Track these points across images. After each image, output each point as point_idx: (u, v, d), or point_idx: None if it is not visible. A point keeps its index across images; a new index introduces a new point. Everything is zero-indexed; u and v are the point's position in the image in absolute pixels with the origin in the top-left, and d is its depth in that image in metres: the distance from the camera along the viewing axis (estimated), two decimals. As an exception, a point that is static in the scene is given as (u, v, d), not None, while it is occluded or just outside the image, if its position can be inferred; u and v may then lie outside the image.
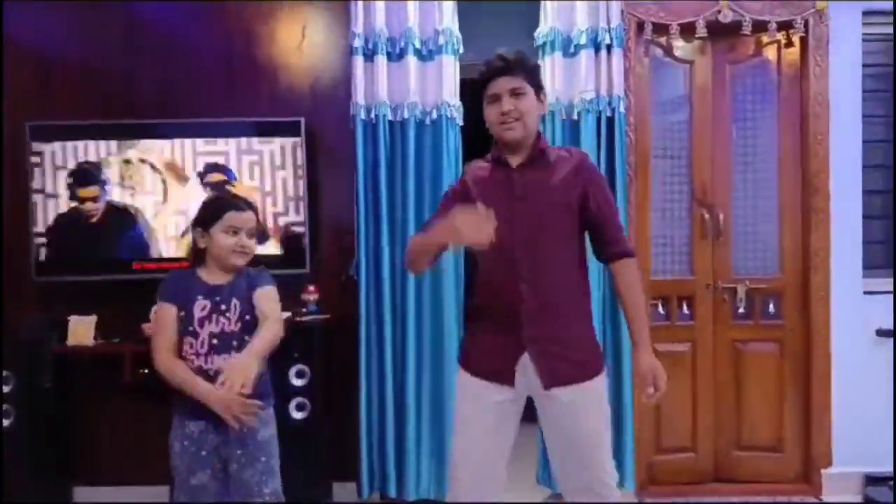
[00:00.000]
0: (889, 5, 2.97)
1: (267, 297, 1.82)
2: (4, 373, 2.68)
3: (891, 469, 2.89)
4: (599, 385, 1.70)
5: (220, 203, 1.84)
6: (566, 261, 1.69)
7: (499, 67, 1.67)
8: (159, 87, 3.04)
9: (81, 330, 2.89)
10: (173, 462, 1.76)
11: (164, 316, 1.76)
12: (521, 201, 1.67)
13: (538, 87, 1.71)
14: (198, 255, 1.83)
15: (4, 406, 2.67)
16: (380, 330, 2.89)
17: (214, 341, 1.75)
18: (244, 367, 1.60)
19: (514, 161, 1.71)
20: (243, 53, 3.04)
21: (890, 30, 3.03)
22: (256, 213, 1.87)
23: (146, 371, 2.81)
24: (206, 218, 1.80)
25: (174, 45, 3.04)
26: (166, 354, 1.74)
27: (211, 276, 1.81)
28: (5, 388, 2.68)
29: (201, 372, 1.72)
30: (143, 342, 2.79)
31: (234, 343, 1.77)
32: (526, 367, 1.65)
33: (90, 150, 2.89)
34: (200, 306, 1.76)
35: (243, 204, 1.85)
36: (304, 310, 2.87)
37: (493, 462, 1.69)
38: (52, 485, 2.88)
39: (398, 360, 2.89)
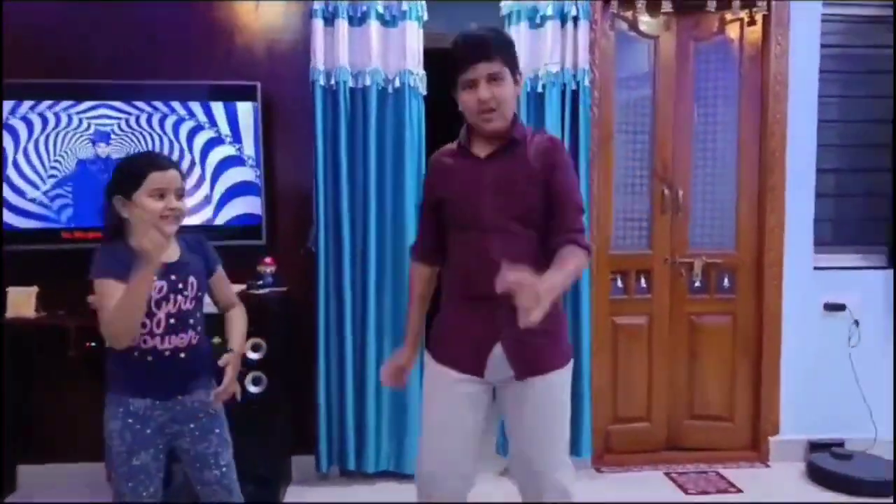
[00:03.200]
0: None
1: (226, 281, 1.86)
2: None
3: (833, 436, 3.04)
4: (566, 374, 1.69)
5: (139, 164, 1.62)
6: (539, 251, 1.61)
7: (475, 53, 1.56)
8: (112, 49, 2.85)
9: (22, 301, 2.74)
10: (111, 443, 1.65)
11: (109, 291, 1.55)
12: (491, 193, 1.60)
13: (514, 69, 1.63)
14: (118, 228, 1.63)
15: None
16: (339, 302, 2.84)
17: (172, 321, 1.65)
18: (235, 371, 1.78)
19: (482, 151, 1.65)
20: (198, 14, 2.88)
21: (848, 10, 3.09)
22: (180, 170, 1.67)
23: (93, 344, 2.70)
24: (126, 183, 1.59)
25: (127, 6, 2.86)
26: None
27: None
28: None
29: (156, 352, 1.64)
30: (90, 315, 2.69)
31: (191, 321, 1.69)
32: (497, 358, 1.62)
33: (21, 111, 2.71)
34: (157, 287, 1.62)
35: (165, 161, 1.65)
36: (260, 282, 2.78)
37: (463, 450, 1.67)
38: (-7, 463, 2.76)
39: (358, 333, 2.85)
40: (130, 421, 1.64)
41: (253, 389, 2.64)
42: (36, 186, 2.74)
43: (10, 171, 2.72)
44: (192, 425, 1.71)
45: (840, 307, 3.05)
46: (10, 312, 2.73)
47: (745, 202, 3.11)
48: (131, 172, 1.61)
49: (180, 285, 1.66)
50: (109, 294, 1.55)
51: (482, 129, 1.63)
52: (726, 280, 3.13)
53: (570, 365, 1.70)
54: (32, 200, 2.74)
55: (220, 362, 1.74)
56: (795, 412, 3.09)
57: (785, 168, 3.04)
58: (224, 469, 1.76)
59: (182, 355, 1.67)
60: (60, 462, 2.88)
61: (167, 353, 1.65)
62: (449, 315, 1.72)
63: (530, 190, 1.60)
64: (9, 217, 2.73)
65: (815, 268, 3.08)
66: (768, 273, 3.06)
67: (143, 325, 1.62)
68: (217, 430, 1.75)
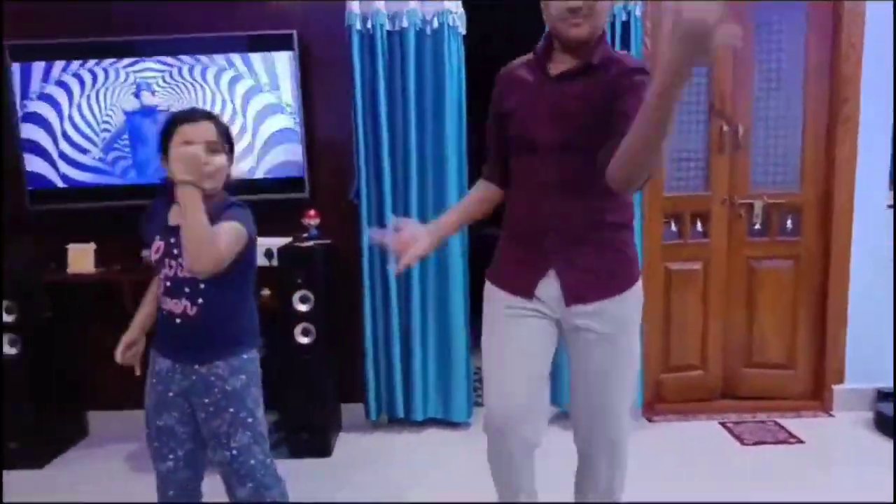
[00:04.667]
0: None
1: (222, 229, 1.52)
2: (5, 303, 2.66)
3: (903, 384, 2.88)
4: (628, 300, 1.55)
5: (172, 118, 1.58)
6: (598, 175, 1.47)
7: None
8: (141, 3, 2.84)
9: (81, 258, 2.85)
10: (145, 399, 1.66)
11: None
12: (550, 114, 1.48)
13: None
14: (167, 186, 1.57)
15: (9, 336, 2.67)
16: (383, 251, 2.82)
17: (168, 284, 1.59)
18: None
19: (556, 68, 1.50)
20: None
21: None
22: (218, 123, 1.59)
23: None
24: (162, 139, 1.57)
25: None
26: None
27: (176, 212, 1.57)
28: (8, 318, 2.66)
29: (162, 311, 1.63)
30: (144, 269, 2.77)
31: (186, 290, 1.57)
32: (551, 285, 1.55)
33: (72, 69, 2.75)
34: (156, 248, 1.60)
35: (199, 114, 1.59)
36: (305, 235, 2.79)
37: (532, 386, 1.58)
38: (65, 411, 2.92)
39: (402, 282, 2.84)
40: (154, 381, 1.63)
41: (303, 340, 2.68)
42: (90, 141, 2.79)
43: (67, 126, 2.78)
44: (206, 400, 1.61)
45: (914, 248, 2.84)
46: (71, 268, 2.84)
47: (812, 137, 2.88)
48: (164, 127, 1.58)
49: (175, 251, 1.57)
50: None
51: (565, 34, 1.45)
52: (789, 221, 2.94)
53: (634, 290, 1.54)
54: (85, 153, 2.80)
55: None
56: (862, 359, 2.92)
57: (859, 98, 2.79)
58: (235, 452, 1.61)
59: (178, 321, 1.59)
60: (125, 409, 3.03)
61: (166, 314, 1.61)
62: (507, 243, 1.64)
63: (597, 115, 1.43)
64: (68, 170, 2.80)
65: (889, 206, 2.85)
66: (838, 212, 2.85)
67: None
68: (231, 410, 1.61)
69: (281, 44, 2.74)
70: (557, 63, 1.51)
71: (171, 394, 1.62)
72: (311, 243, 2.75)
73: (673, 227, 2.96)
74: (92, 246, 2.87)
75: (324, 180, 2.91)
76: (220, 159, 1.56)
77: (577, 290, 1.53)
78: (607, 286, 1.53)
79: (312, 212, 2.82)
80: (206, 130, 1.56)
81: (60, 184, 2.81)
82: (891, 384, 2.89)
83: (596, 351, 1.54)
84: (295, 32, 2.73)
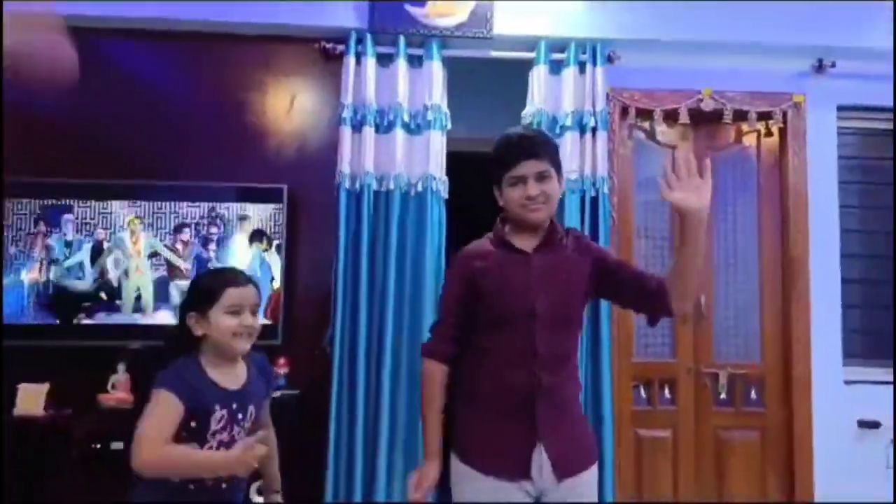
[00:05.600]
0: (862, 101, 3.07)
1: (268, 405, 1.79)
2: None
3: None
4: (595, 471, 1.66)
5: (217, 281, 1.59)
6: (574, 345, 1.67)
7: (525, 151, 1.61)
8: (142, 149, 2.94)
9: (31, 399, 2.69)
10: None
11: (166, 405, 1.44)
12: (542, 288, 1.60)
13: (559, 169, 1.67)
14: (187, 343, 1.57)
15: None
16: (352, 407, 2.75)
17: (222, 450, 1.53)
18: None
19: (527, 244, 1.64)
20: (230, 119, 2.99)
21: (862, 124, 3.15)
22: (256, 286, 1.63)
23: (98, 446, 2.62)
24: (202, 299, 1.55)
25: (163, 107, 2.97)
26: (159, 444, 1.42)
27: (221, 375, 1.57)
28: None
29: (199, 480, 1.50)
30: (98, 413, 2.63)
31: None
32: (541, 459, 1.55)
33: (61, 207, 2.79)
34: (217, 417, 1.52)
35: (243, 278, 1.62)
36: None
37: None
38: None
39: (370, 445, 2.73)
40: None
41: (257, 500, 2.51)
42: (67, 278, 2.77)
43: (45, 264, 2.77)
44: None
45: (874, 424, 2.91)
46: (19, 409, 2.67)
47: (769, 312, 3.05)
48: (208, 289, 1.57)
49: (240, 415, 1.56)
50: (163, 406, 1.45)
51: (526, 219, 1.62)
52: (753, 392, 3.01)
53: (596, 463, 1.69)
54: (60, 291, 2.77)
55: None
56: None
57: (809, 278, 3.00)
58: None
59: (224, 486, 1.54)
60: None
61: (209, 482, 1.52)
62: (483, 420, 1.61)
63: (576, 282, 1.64)
64: (41, 305, 2.75)
65: (846, 381, 2.96)
66: (797, 386, 2.95)
67: None
68: None
69: (271, 196, 2.84)
70: (522, 240, 1.65)
71: None
72: (277, 393, 2.68)
73: (642, 393, 3.00)
74: (45, 387, 2.72)
75: (298, 327, 2.90)
76: (258, 320, 1.61)
77: (567, 463, 1.57)
78: (588, 456, 1.63)
79: (282, 360, 2.78)
80: (251, 294, 1.59)
81: (31, 320, 2.74)
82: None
83: None
84: (285, 187, 2.86)
